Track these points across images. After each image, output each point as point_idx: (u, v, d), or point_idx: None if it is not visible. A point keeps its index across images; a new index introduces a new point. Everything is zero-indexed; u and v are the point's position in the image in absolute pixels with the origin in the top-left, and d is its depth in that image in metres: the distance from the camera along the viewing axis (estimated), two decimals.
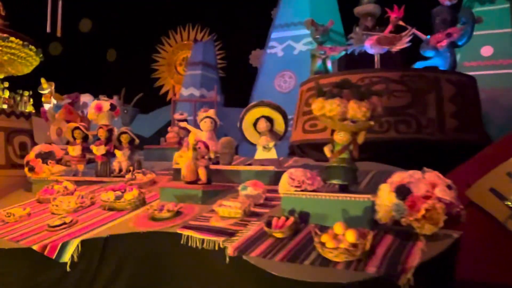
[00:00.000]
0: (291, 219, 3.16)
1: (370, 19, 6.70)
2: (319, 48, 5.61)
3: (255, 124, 4.78)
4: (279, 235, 3.08)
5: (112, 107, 5.84)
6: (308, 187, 3.31)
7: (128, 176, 5.09)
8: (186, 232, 3.42)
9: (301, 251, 2.84)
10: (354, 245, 2.63)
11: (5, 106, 9.23)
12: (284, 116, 4.71)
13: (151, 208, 3.94)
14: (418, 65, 5.20)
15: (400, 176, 3.02)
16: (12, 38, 9.36)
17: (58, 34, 8.01)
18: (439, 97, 4.74)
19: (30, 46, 9.84)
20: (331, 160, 3.39)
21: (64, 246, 3.66)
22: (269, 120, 4.72)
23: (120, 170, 5.62)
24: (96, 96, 9.12)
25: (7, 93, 9.19)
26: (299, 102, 5.70)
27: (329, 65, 5.59)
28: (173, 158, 6.39)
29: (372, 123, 3.24)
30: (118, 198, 4.29)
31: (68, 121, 8.22)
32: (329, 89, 3.36)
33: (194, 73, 9.20)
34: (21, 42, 9.57)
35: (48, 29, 7.91)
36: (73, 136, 5.87)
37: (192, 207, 4.00)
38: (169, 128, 6.93)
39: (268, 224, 3.18)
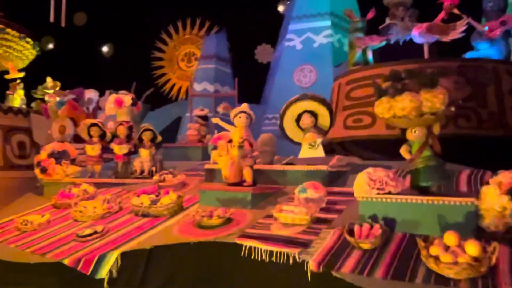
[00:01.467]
0: (377, 226, 2.72)
1: (401, 9, 6.31)
2: (357, 38, 5.18)
3: (296, 120, 4.39)
4: (366, 245, 2.63)
5: (134, 102, 5.32)
6: (392, 189, 2.88)
7: (156, 177, 4.59)
8: (247, 242, 2.95)
9: (405, 266, 2.40)
10: (477, 259, 2.21)
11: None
12: (330, 110, 4.29)
13: (197, 214, 3.45)
14: (470, 55, 4.82)
15: (508, 176, 2.61)
16: (9, 30, 8.72)
17: (62, 24, 7.41)
18: (498, 89, 4.36)
19: (27, 39, 9.23)
20: (414, 162, 2.96)
21: (100, 259, 3.15)
22: (313, 114, 4.31)
23: (142, 171, 5.10)
24: (102, 92, 8.56)
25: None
26: (336, 96, 5.26)
27: (369, 55, 5.17)
28: (194, 157, 5.97)
29: (453, 108, 2.85)
30: (154, 202, 3.79)
31: (72, 118, 7.69)
32: (390, 85, 2.95)
33: (207, 67, 8.66)
34: (17, 34, 8.95)
35: (52, 19, 7.30)
36: (89, 134, 5.32)
37: (243, 213, 3.53)
38: (189, 125, 6.42)
39: (350, 233, 2.74)
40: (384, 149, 4.60)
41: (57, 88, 8.19)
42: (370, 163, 4.49)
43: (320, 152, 4.26)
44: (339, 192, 3.71)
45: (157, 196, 3.91)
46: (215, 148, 5.38)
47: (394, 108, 2.82)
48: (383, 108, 2.87)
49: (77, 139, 7.58)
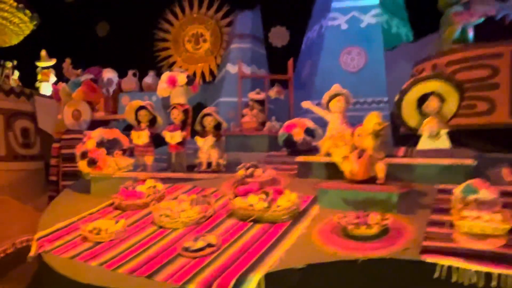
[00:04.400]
0: None
1: None
2: (455, 13, 4.53)
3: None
4: None
5: (190, 81, 4.47)
6: None
7: (242, 172, 3.78)
8: (443, 261, 2.26)
9: None
10: None
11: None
12: (462, 96, 3.60)
13: (342, 220, 2.72)
14: None
15: None
16: None
17: None
18: None
19: (26, 11, 8.09)
20: None
21: (239, 283, 2.37)
22: (441, 99, 3.63)
23: (209, 164, 4.29)
24: (122, 72, 7.54)
25: None
26: None
27: (470, 33, 4.55)
28: (258, 147, 5.20)
29: None
30: (269, 205, 3.02)
31: (89, 102, 6.70)
32: None
33: (243, 47, 7.80)
34: (15, 4, 7.80)
35: None
36: (136, 119, 4.42)
37: (395, 219, 2.81)
38: (244, 111, 5.60)
39: None
40: (506, 139, 4.02)
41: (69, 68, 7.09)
42: (494, 156, 3.91)
43: (444, 143, 3.60)
44: None
45: (267, 195, 3.13)
46: (290, 136, 4.68)
47: None
48: None
49: (94, 126, 6.62)
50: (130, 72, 7.09)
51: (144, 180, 3.84)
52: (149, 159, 4.38)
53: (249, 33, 7.91)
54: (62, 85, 6.71)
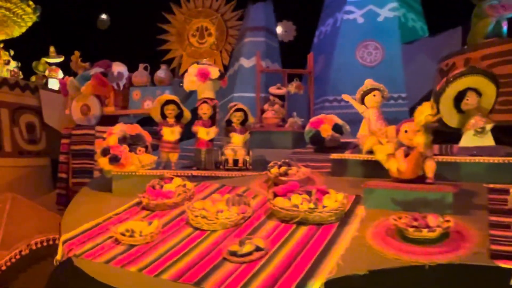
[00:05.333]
0: None
1: None
2: (490, 6, 4.38)
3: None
4: None
5: (222, 75, 4.28)
6: None
7: (275, 170, 3.59)
8: None
9: None
10: None
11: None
12: (498, 86, 3.46)
13: (399, 221, 2.55)
14: None
15: None
16: None
17: None
18: None
19: (29, 2, 7.80)
20: None
21: None
22: (477, 93, 3.48)
23: (236, 162, 4.10)
24: (133, 66, 7.25)
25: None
26: None
27: (504, 27, 4.40)
28: (282, 144, 5.02)
29: None
30: (315, 206, 2.84)
31: (98, 96, 6.45)
32: None
33: (257, 41, 7.59)
34: None
35: None
36: (162, 113, 4.21)
37: (455, 221, 2.64)
38: (265, 106, 5.41)
39: None
40: None
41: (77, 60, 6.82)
42: None
43: (489, 140, 3.45)
44: None
45: (310, 195, 2.96)
46: (317, 133, 4.51)
47: None
48: None
49: (103, 121, 6.39)
50: (141, 66, 6.83)
51: (171, 178, 3.64)
52: (173, 157, 4.18)
53: (263, 25, 7.70)
54: (69, 79, 6.45)
